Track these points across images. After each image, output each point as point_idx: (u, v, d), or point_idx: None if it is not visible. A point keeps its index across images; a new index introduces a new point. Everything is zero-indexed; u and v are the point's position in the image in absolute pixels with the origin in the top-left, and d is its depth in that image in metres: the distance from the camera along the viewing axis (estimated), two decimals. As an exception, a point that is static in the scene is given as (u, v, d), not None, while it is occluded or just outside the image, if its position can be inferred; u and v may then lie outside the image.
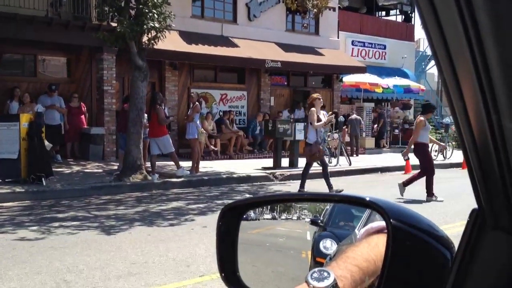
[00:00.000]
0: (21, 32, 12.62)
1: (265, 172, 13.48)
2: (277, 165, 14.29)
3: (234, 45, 17.82)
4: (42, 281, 4.76)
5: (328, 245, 1.10)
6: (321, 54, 20.64)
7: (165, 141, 11.83)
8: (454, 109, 0.65)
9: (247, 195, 10.06)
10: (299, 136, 14.59)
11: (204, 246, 5.99)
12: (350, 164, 15.94)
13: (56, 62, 14.69)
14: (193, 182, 11.58)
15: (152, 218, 7.48)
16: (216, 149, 16.29)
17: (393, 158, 19.24)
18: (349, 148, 20.05)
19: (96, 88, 14.67)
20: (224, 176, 12.51)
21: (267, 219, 1.16)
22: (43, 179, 9.58)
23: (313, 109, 10.15)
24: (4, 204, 8.70)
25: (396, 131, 23.83)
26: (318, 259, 1.08)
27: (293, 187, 11.86)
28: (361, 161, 18.22)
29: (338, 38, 22.59)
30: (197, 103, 12.37)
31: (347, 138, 20.63)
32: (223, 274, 1.07)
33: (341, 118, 16.90)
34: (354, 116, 20.32)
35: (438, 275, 0.82)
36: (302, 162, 15.38)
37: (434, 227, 0.89)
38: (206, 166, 14.11)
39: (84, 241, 6.23)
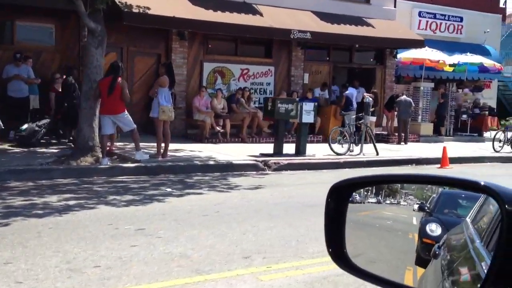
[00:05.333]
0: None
1: (255, 160, 11.37)
2: (278, 151, 12.11)
3: (257, 13, 15.68)
4: None
5: (434, 228, 1.16)
6: (369, 25, 17.88)
7: (125, 118, 10.15)
8: None
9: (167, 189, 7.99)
10: (307, 118, 12.30)
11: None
12: (377, 154, 13.37)
13: (39, 29, 13.45)
14: (151, 168, 9.79)
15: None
16: (222, 130, 14.37)
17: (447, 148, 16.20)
18: (398, 134, 17.30)
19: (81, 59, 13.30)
20: (198, 162, 10.59)
21: (372, 202, 1.22)
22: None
23: None
24: None
25: (464, 116, 20.41)
26: (425, 239, 1.16)
27: (273, 179, 9.67)
28: (403, 150, 15.48)
29: (395, 7, 19.56)
30: (165, 76, 10.48)
31: (396, 123, 17.84)
32: (330, 250, 1.11)
33: (368, 100, 14.23)
34: (403, 97, 17.42)
35: None
36: (311, 149, 13.13)
37: None
38: (194, 149, 12.28)
39: None
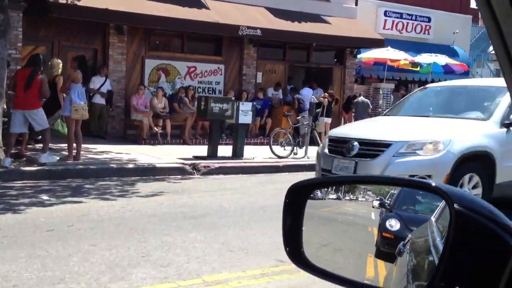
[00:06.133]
0: None
1: (183, 163, 10.51)
2: (212, 154, 11.26)
3: (203, 7, 14.82)
4: None
5: (393, 224, 1.20)
6: (328, 23, 17.11)
7: (39, 116, 9.26)
8: None
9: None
10: (244, 118, 11.46)
11: None
12: (323, 157, 12.52)
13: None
14: (56, 172, 8.86)
15: None
16: (160, 131, 13.47)
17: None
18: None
19: None
20: (114, 166, 9.70)
21: (332, 199, 1.27)
22: None
23: None
24: None
25: (427, 118, 19.66)
26: (385, 234, 1.20)
27: (189, 185, 8.80)
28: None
29: (356, 5, 18.80)
30: (78, 71, 9.58)
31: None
32: (287, 249, 1.11)
33: (313, 100, 13.39)
34: (361, 98, 16.67)
35: (501, 261, 0.81)
36: (254, 151, 12.34)
37: (498, 214, 0.90)
38: (122, 151, 11.39)
39: None
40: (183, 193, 7.68)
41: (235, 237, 5.18)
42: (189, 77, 15.32)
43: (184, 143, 13.75)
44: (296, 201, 1.13)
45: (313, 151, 12.59)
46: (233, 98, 12.36)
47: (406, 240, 1.21)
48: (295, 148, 12.43)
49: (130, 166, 9.82)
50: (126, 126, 14.10)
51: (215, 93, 15.64)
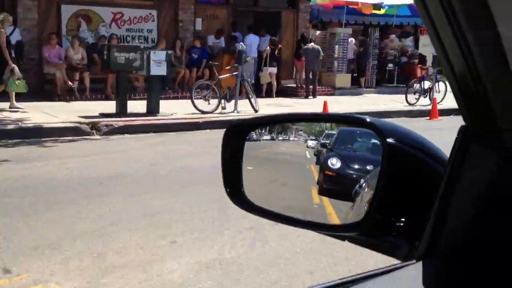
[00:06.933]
0: None
1: (79, 123, 9.16)
2: (121, 111, 9.91)
3: None
4: None
5: (334, 162, 1.26)
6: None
7: None
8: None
9: None
10: (157, 69, 10.04)
11: None
12: (255, 111, 11.23)
13: None
14: None
15: None
16: (73, 86, 12.03)
17: (354, 103, 14.24)
18: (306, 86, 15.18)
19: None
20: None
21: (266, 140, 1.33)
22: None
23: None
24: None
25: (390, 65, 18.28)
26: (327, 172, 1.26)
27: (73, 149, 7.49)
28: (301, 105, 13.42)
29: None
30: None
31: (304, 74, 15.64)
32: (228, 190, 1.13)
33: (240, 47, 11.95)
34: (311, 45, 15.18)
35: (432, 190, 0.82)
36: (174, 107, 11.02)
37: (429, 146, 0.92)
38: (19, 109, 10.01)
39: None
40: (33, 161, 6.35)
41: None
42: (116, 24, 13.75)
43: (107, 98, 12.34)
44: (234, 142, 1.13)
45: (244, 105, 11.32)
46: (142, 46, 10.90)
47: (362, 182, 1.22)
48: (222, 101, 11.08)
49: (11, 127, 8.47)
50: (43, 81, 12.64)
51: (147, 42, 14.10)
